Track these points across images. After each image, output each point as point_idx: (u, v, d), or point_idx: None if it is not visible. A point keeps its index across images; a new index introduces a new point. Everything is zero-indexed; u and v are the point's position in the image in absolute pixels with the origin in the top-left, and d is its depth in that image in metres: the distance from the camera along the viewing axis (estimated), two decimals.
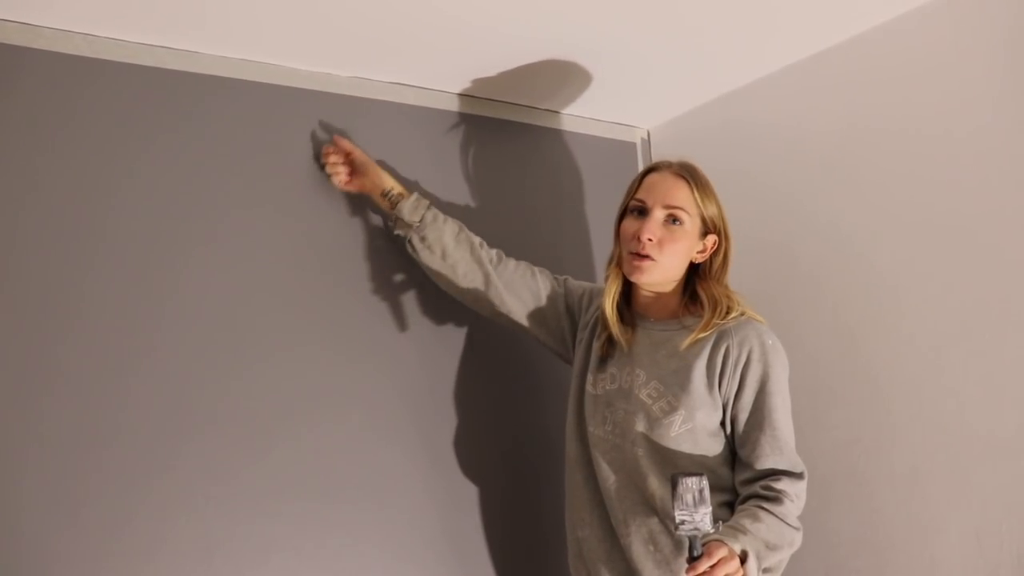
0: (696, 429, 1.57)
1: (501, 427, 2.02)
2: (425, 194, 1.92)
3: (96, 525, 1.52)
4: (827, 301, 1.95)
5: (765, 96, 2.12)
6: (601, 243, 2.18)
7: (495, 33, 1.78)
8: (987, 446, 1.65)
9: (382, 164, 1.91)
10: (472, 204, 2.08)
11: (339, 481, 1.77)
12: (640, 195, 1.66)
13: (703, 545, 1.35)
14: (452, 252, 1.77)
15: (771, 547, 1.45)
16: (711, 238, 1.65)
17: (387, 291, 1.91)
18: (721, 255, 1.66)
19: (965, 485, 1.68)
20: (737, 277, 1.72)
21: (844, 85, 1.94)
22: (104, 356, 1.58)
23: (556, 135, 2.26)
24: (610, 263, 1.72)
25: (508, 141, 2.18)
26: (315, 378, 1.78)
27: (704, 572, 1.32)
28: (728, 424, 1.59)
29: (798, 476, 1.55)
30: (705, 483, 1.33)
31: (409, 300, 1.93)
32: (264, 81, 1.83)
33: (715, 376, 1.57)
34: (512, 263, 1.82)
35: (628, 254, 1.64)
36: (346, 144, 1.82)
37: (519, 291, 1.80)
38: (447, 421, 1.94)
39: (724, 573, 1.33)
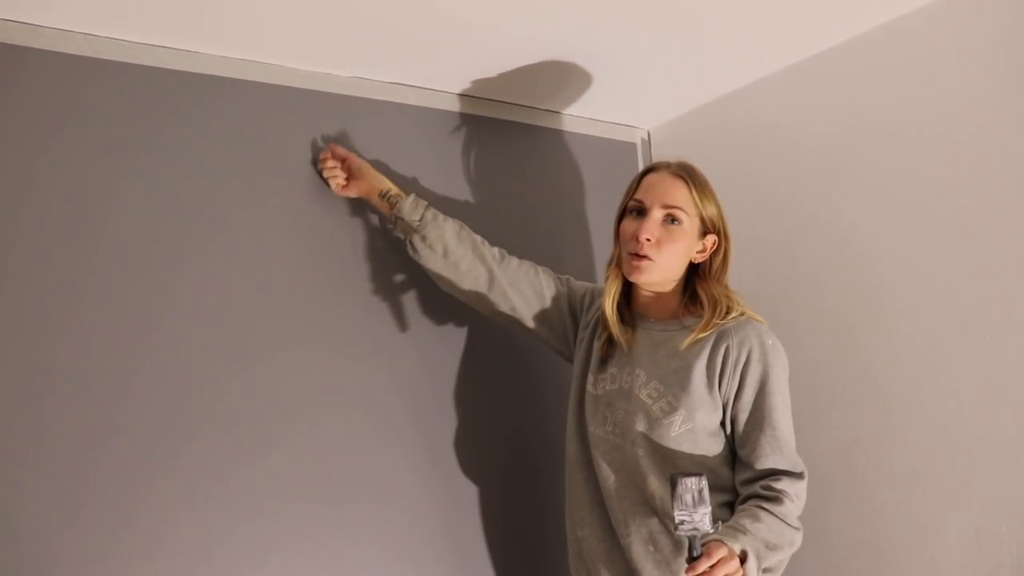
0: (696, 429, 1.57)
1: (501, 427, 2.02)
2: (425, 194, 1.92)
3: (96, 525, 1.52)
4: (827, 301, 1.95)
5: (765, 96, 2.12)
6: (601, 243, 2.18)
7: (496, 33, 1.78)
8: (987, 446, 1.65)
9: (382, 165, 1.92)
10: (473, 204, 2.08)
11: (339, 481, 1.77)
12: (638, 195, 1.66)
13: (702, 545, 1.35)
14: (454, 250, 1.77)
15: (771, 547, 1.45)
16: (710, 238, 1.65)
17: (387, 291, 1.91)
18: (721, 255, 1.66)
19: (965, 486, 1.68)
20: (737, 277, 1.72)
21: (844, 85, 1.94)
22: (104, 356, 1.58)
23: (557, 135, 2.27)
24: (610, 264, 1.72)
25: (509, 141, 2.18)
26: (315, 378, 1.78)
27: (703, 572, 1.32)
28: (728, 424, 1.59)
29: (798, 476, 1.55)
30: (704, 483, 1.33)
31: (409, 300, 1.93)
32: (264, 81, 1.83)
33: (715, 376, 1.57)
34: (515, 261, 1.82)
35: (627, 254, 1.64)
36: (341, 150, 1.83)
37: (522, 289, 1.80)
38: (447, 421, 1.94)
39: (724, 573, 1.33)
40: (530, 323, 1.82)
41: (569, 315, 1.83)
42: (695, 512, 1.32)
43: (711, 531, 1.33)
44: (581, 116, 2.30)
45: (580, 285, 1.87)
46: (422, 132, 2.02)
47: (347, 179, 1.82)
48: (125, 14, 1.60)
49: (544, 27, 1.77)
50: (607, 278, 1.71)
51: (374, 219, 1.92)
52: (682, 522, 1.32)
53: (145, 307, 1.63)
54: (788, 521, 1.50)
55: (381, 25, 1.71)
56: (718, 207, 1.66)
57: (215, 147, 1.75)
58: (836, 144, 1.96)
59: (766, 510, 1.49)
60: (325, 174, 1.82)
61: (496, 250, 1.81)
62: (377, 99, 1.97)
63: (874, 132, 1.88)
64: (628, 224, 1.66)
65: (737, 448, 1.59)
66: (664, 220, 1.62)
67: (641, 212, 1.64)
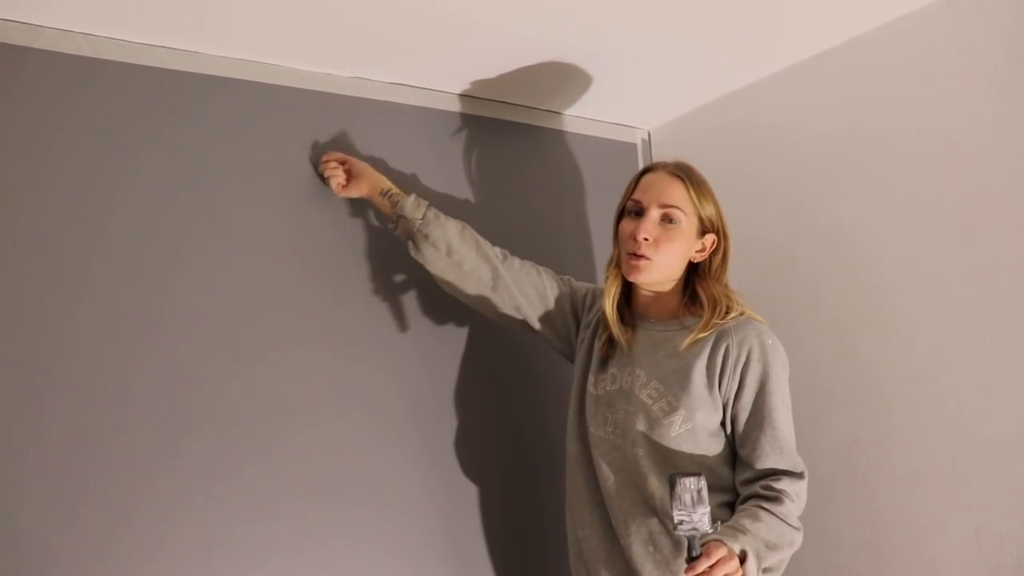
0: (696, 429, 1.57)
1: (501, 427, 2.02)
2: (425, 195, 1.92)
3: (96, 525, 1.53)
4: (827, 302, 1.95)
5: (766, 97, 2.12)
6: (602, 244, 2.18)
7: (496, 33, 1.78)
8: (987, 447, 1.65)
9: (383, 165, 1.92)
10: (473, 205, 2.08)
11: (339, 481, 1.77)
12: (636, 196, 1.66)
13: (702, 545, 1.35)
14: (458, 248, 1.76)
15: (771, 547, 1.45)
16: (709, 237, 1.65)
17: (387, 291, 1.91)
18: (720, 254, 1.66)
19: (965, 486, 1.68)
20: (737, 278, 1.72)
21: (845, 86, 1.94)
22: (104, 356, 1.58)
23: (557, 136, 2.27)
24: (609, 264, 1.72)
25: (509, 142, 2.18)
26: (315, 378, 1.78)
27: (703, 572, 1.32)
28: (728, 424, 1.59)
29: (798, 476, 1.54)
30: (703, 483, 1.33)
31: (410, 300, 1.93)
32: (264, 81, 1.83)
33: (715, 376, 1.57)
34: (517, 261, 1.82)
35: (626, 254, 1.64)
36: (339, 155, 1.83)
37: (525, 289, 1.80)
38: (447, 421, 1.94)
39: (723, 573, 1.33)
40: (533, 324, 1.81)
41: (571, 315, 1.83)
42: (694, 512, 1.32)
43: (710, 531, 1.33)
44: (581, 116, 2.31)
45: (581, 286, 1.87)
46: (422, 132, 2.02)
47: (347, 179, 1.81)
48: (125, 14, 1.60)
49: (545, 27, 1.77)
50: (607, 278, 1.71)
51: (374, 219, 1.92)
52: (681, 522, 1.32)
53: (145, 307, 1.63)
54: (788, 521, 1.49)
55: (381, 25, 1.71)
56: (716, 206, 1.66)
57: (215, 147, 1.75)
58: (836, 144, 1.96)
59: (766, 510, 1.48)
60: (325, 174, 1.82)
61: (498, 250, 1.81)
62: (377, 99, 1.97)
63: (874, 132, 1.88)
64: (626, 224, 1.66)
65: (737, 448, 1.59)
66: (662, 220, 1.62)
67: (639, 212, 1.64)
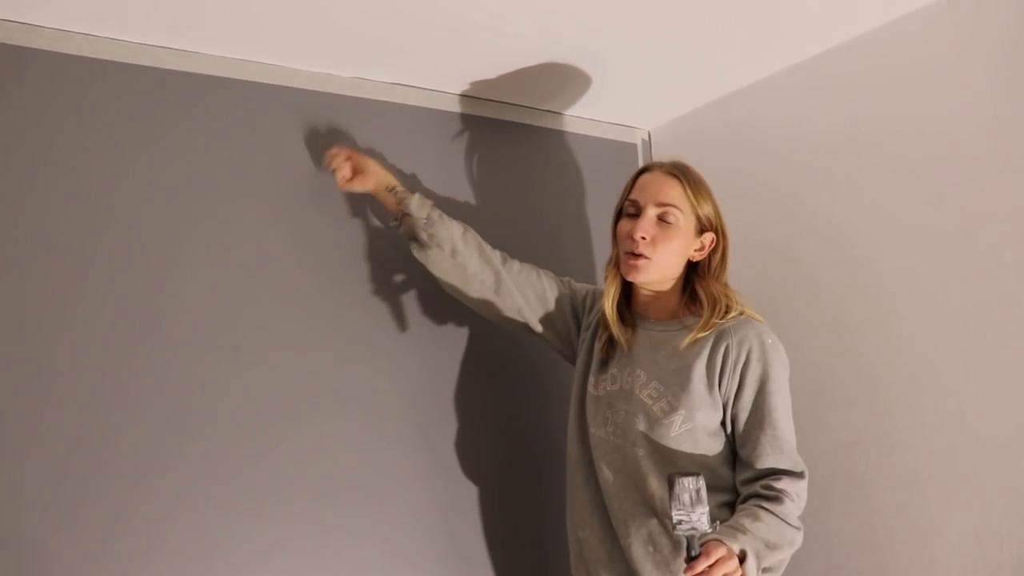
0: (696, 429, 1.57)
1: (502, 428, 2.02)
2: (426, 195, 1.92)
3: (96, 525, 1.53)
4: (827, 302, 1.95)
5: (766, 97, 2.12)
6: (602, 244, 2.18)
7: (497, 34, 1.78)
8: (987, 447, 1.65)
9: (383, 165, 1.91)
10: (474, 205, 2.08)
11: (339, 482, 1.77)
12: (633, 195, 1.66)
13: (701, 545, 1.35)
14: (462, 251, 1.75)
15: (771, 546, 1.45)
16: (708, 236, 1.65)
17: (388, 292, 1.91)
18: (719, 253, 1.66)
19: (965, 486, 1.68)
20: (738, 278, 1.72)
21: (845, 86, 1.94)
22: (104, 356, 1.58)
23: (557, 136, 2.27)
24: (608, 264, 1.72)
25: (509, 142, 2.18)
26: (315, 378, 1.78)
27: (702, 572, 1.32)
28: (728, 424, 1.59)
29: (799, 475, 1.54)
30: (702, 483, 1.33)
31: (410, 301, 1.93)
32: (265, 82, 1.83)
33: (715, 376, 1.57)
34: (516, 264, 1.81)
35: (624, 254, 1.64)
36: (346, 149, 1.81)
37: (526, 292, 1.80)
38: (448, 422, 1.94)
39: (722, 573, 1.33)
40: (534, 326, 1.81)
41: (572, 317, 1.83)
42: (693, 512, 1.32)
43: (709, 530, 1.33)
44: (582, 117, 2.31)
45: (581, 287, 1.87)
46: (423, 133, 2.02)
47: (353, 174, 1.79)
48: (125, 14, 1.60)
49: (545, 28, 1.77)
50: (605, 278, 1.71)
51: (374, 220, 1.92)
52: (680, 522, 1.32)
53: (145, 307, 1.63)
54: (788, 520, 1.49)
55: (381, 25, 1.71)
56: (714, 205, 1.66)
57: (215, 147, 1.75)
58: (837, 145, 1.96)
59: (766, 509, 1.48)
60: (331, 167, 1.79)
61: (498, 253, 1.81)
62: (377, 99, 1.97)
63: (875, 132, 1.88)
64: (624, 224, 1.66)
65: (737, 448, 1.59)
66: (659, 218, 1.62)
67: (636, 212, 1.64)
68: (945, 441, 1.72)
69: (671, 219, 1.62)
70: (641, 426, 1.59)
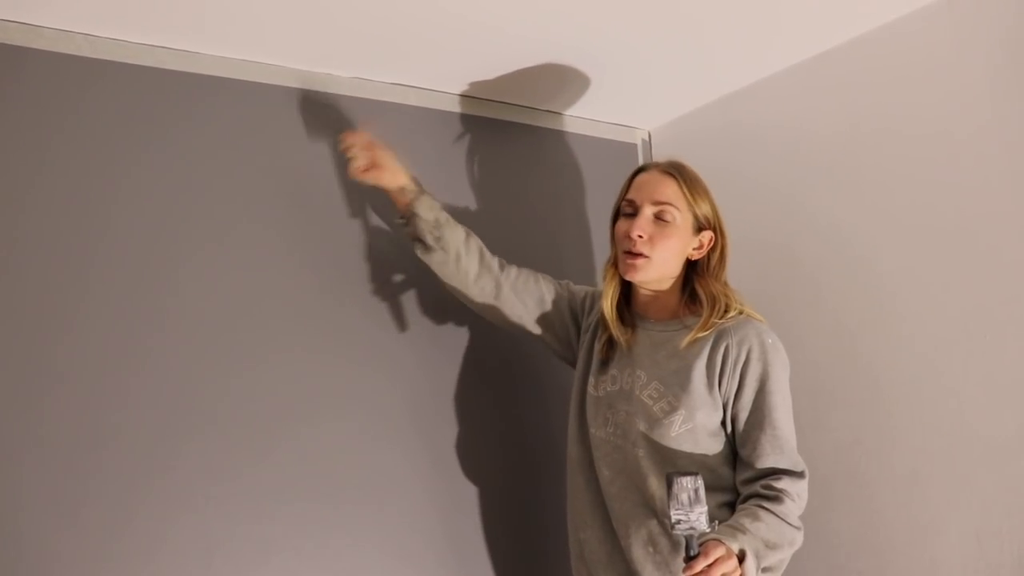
0: (696, 429, 1.57)
1: (502, 429, 2.01)
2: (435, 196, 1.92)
3: (96, 525, 1.53)
4: (828, 302, 1.95)
5: (766, 97, 2.12)
6: (602, 244, 2.17)
7: (497, 34, 1.78)
8: (987, 447, 1.65)
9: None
10: (474, 205, 2.08)
11: (339, 482, 1.77)
12: (630, 195, 1.66)
13: (700, 544, 1.35)
14: (464, 257, 1.74)
15: (771, 546, 1.45)
16: (707, 234, 1.65)
17: (388, 292, 1.91)
18: (718, 252, 1.66)
19: (965, 486, 1.68)
20: (738, 278, 1.72)
21: (845, 86, 1.94)
22: (104, 356, 1.58)
23: (557, 136, 2.27)
24: (607, 264, 1.72)
25: (510, 142, 2.18)
26: (315, 379, 1.78)
27: (700, 571, 1.32)
28: (728, 424, 1.59)
29: (799, 475, 1.54)
30: (700, 482, 1.33)
31: (410, 301, 1.93)
32: (265, 82, 1.83)
33: (715, 376, 1.57)
34: (514, 270, 1.80)
35: (622, 253, 1.64)
36: (368, 137, 1.74)
37: (525, 299, 1.79)
38: (448, 422, 1.94)
39: (721, 572, 1.33)
40: (534, 332, 1.82)
41: (571, 320, 1.83)
42: (691, 511, 1.31)
43: (707, 530, 1.33)
44: (582, 117, 2.31)
45: (580, 289, 1.87)
46: (423, 133, 2.02)
47: (369, 165, 1.73)
48: (125, 14, 1.60)
49: (545, 28, 1.77)
50: (604, 278, 1.71)
51: (374, 219, 1.92)
52: (678, 521, 1.32)
53: (145, 307, 1.63)
54: (788, 520, 1.49)
55: (381, 25, 1.71)
56: (712, 204, 1.66)
57: (215, 147, 1.75)
58: (837, 145, 1.96)
59: (766, 509, 1.48)
60: (348, 154, 1.74)
61: (497, 259, 1.80)
62: (377, 99, 1.97)
63: (875, 132, 1.88)
64: (621, 224, 1.66)
65: (738, 447, 1.59)
66: (656, 217, 1.62)
67: (633, 211, 1.64)
68: (945, 441, 1.72)
69: (668, 217, 1.62)
70: (641, 426, 1.59)
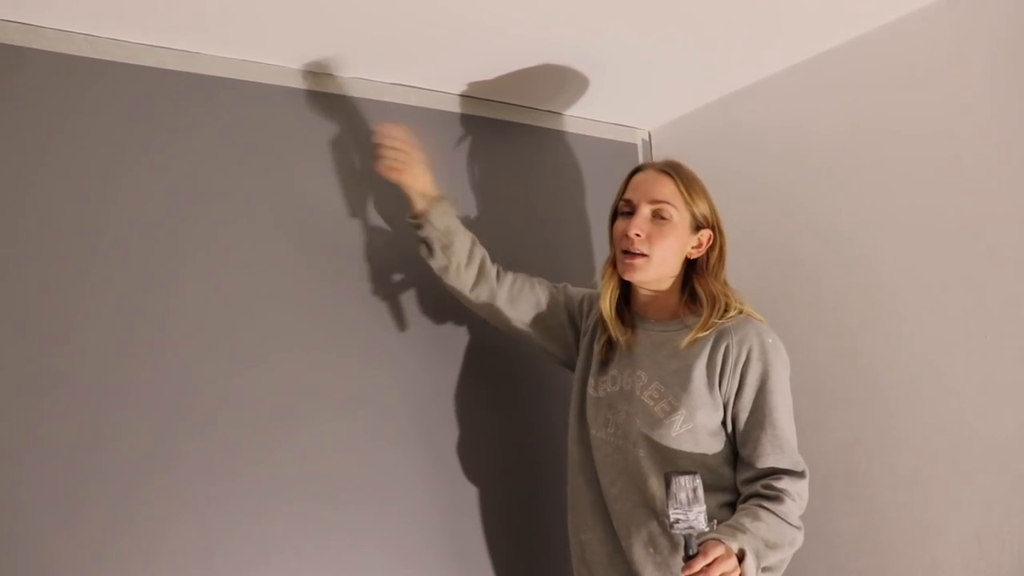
0: (697, 429, 1.57)
1: (503, 429, 2.01)
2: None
3: (96, 525, 1.53)
4: (828, 302, 1.95)
5: (766, 97, 2.12)
6: (602, 244, 2.17)
7: (497, 34, 1.78)
8: (988, 447, 1.65)
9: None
10: (474, 205, 2.08)
11: (340, 482, 1.77)
12: (627, 195, 1.67)
13: (699, 544, 1.34)
14: (464, 268, 1.75)
15: (771, 546, 1.45)
16: (705, 233, 1.65)
17: (388, 292, 1.91)
18: (717, 251, 1.66)
19: (966, 486, 1.68)
20: (739, 278, 1.72)
21: (845, 86, 1.94)
22: (104, 356, 1.58)
23: (558, 136, 2.27)
24: (606, 264, 1.72)
25: (510, 142, 2.18)
26: (316, 379, 1.78)
27: (700, 571, 1.32)
28: (729, 423, 1.59)
29: (799, 475, 1.54)
30: (699, 481, 1.33)
31: (410, 301, 1.93)
32: (265, 82, 1.83)
33: (715, 375, 1.56)
34: (509, 279, 1.80)
35: (621, 253, 1.64)
36: (406, 139, 1.73)
37: (520, 305, 1.79)
38: (449, 422, 1.94)
39: (720, 572, 1.32)
40: (531, 338, 1.82)
41: (568, 323, 1.83)
42: (690, 510, 1.31)
43: (706, 529, 1.33)
44: (582, 117, 2.31)
45: (577, 292, 1.87)
46: (423, 133, 2.00)
47: (398, 164, 1.72)
48: (126, 15, 1.60)
49: (545, 28, 1.77)
50: (603, 276, 1.71)
51: (375, 219, 1.92)
52: (677, 520, 1.31)
53: (145, 307, 1.63)
54: (789, 520, 1.49)
55: (381, 25, 1.71)
56: (709, 202, 1.66)
57: (215, 148, 1.75)
58: (837, 145, 1.96)
59: (767, 509, 1.48)
60: (382, 152, 1.72)
61: (495, 269, 1.80)
62: (377, 99, 1.97)
63: (875, 132, 1.88)
64: (619, 224, 1.66)
65: (738, 447, 1.59)
66: (653, 216, 1.63)
67: (631, 211, 1.64)
68: (946, 441, 1.71)
69: (665, 216, 1.62)
70: (642, 427, 1.59)
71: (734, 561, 1.35)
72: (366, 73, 1.94)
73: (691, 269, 1.68)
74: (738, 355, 1.56)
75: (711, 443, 1.58)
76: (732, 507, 1.57)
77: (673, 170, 1.65)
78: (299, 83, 1.87)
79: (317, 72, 1.89)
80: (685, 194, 1.63)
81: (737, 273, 1.72)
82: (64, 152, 1.60)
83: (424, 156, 1.75)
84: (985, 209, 1.68)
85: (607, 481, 1.64)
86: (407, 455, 1.86)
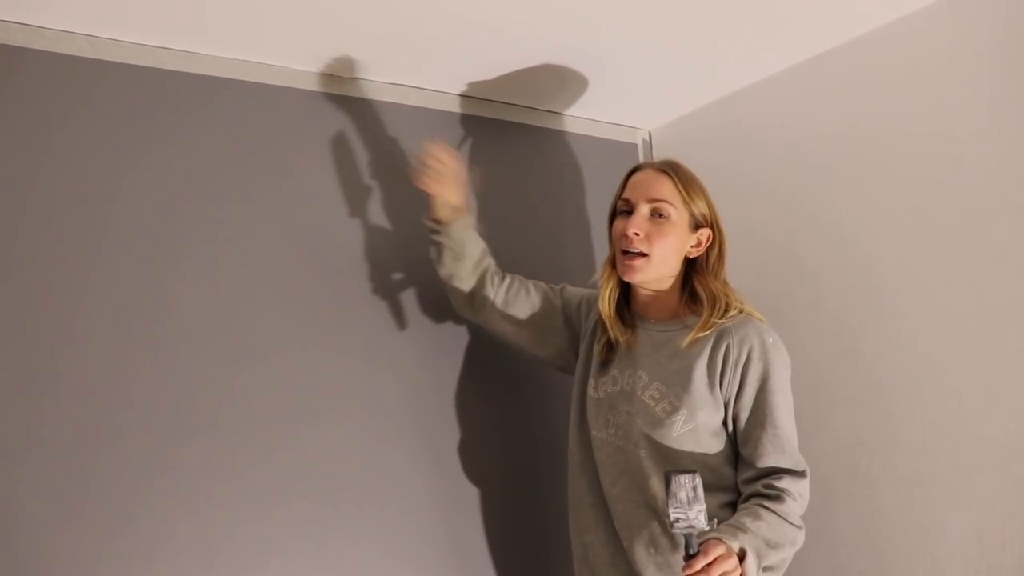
0: (698, 429, 1.56)
1: (504, 428, 2.01)
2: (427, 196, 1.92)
3: (97, 525, 1.52)
4: (829, 302, 1.95)
5: (767, 97, 2.12)
6: (602, 244, 2.17)
7: (497, 34, 1.79)
8: (989, 447, 1.65)
9: (385, 166, 1.92)
10: (474, 206, 2.07)
11: (341, 482, 1.77)
12: (626, 195, 1.67)
13: (700, 543, 1.34)
14: (464, 280, 1.78)
15: (772, 545, 1.44)
16: (704, 232, 1.65)
17: (388, 291, 1.91)
18: (716, 250, 1.66)
19: (967, 486, 1.68)
20: (739, 278, 1.72)
21: (846, 86, 1.94)
22: (105, 356, 1.58)
23: (558, 136, 2.27)
24: (605, 264, 1.72)
25: (510, 142, 2.18)
26: (317, 378, 1.78)
27: (700, 570, 1.32)
28: (730, 423, 1.59)
29: (800, 474, 1.54)
30: (698, 480, 1.33)
31: (411, 300, 1.93)
32: (265, 82, 1.83)
33: (716, 375, 1.56)
34: (503, 287, 1.80)
35: (620, 253, 1.64)
36: (451, 158, 1.75)
37: (515, 313, 1.80)
38: (449, 422, 1.94)
39: (721, 571, 1.32)
40: (526, 348, 1.84)
41: (565, 328, 1.83)
42: (690, 510, 1.31)
43: (706, 528, 1.33)
44: (582, 117, 2.31)
45: (575, 294, 1.86)
46: (423, 133, 2.01)
47: (436, 178, 1.74)
48: (127, 15, 1.60)
49: (545, 28, 1.77)
50: (602, 276, 1.71)
51: (375, 218, 1.92)
52: (677, 519, 1.31)
53: (146, 307, 1.63)
54: (790, 520, 1.49)
55: (382, 25, 1.71)
56: (708, 201, 1.66)
57: (216, 148, 1.75)
58: (837, 144, 1.96)
59: (767, 508, 1.48)
60: (426, 163, 1.74)
61: (495, 279, 1.80)
62: (379, 100, 1.97)
63: (875, 132, 1.88)
64: (618, 224, 1.66)
65: (739, 447, 1.59)
66: (651, 215, 1.63)
67: (629, 210, 1.64)
68: (947, 441, 1.71)
69: (664, 215, 1.62)
70: (643, 427, 1.59)
71: (735, 560, 1.35)
72: (366, 73, 1.94)
73: (691, 269, 1.68)
74: (739, 355, 1.56)
75: (712, 443, 1.58)
76: (733, 507, 1.57)
77: (671, 169, 1.65)
78: (299, 83, 1.87)
79: (317, 72, 1.89)
80: (683, 193, 1.63)
81: (738, 273, 1.72)
82: (65, 152, 1.60)
83: (462, 174, 1.78)
84: (985, 209, 1.68)
85: (608, 482, 1.63)
86: (407, 455, 1.86)
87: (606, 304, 1.69)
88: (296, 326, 1.78)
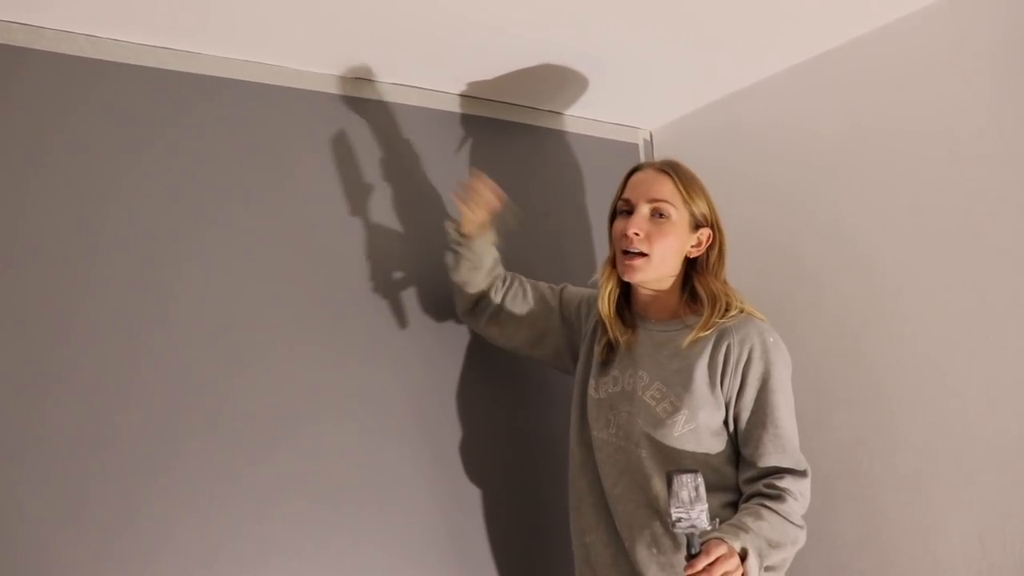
0: (699, 429, 1.56)
1: (505, 428, 2.01)
2: (427, 195, 1.92)
3: (97, 525, 1.52)
4: (830, 302, 1.95)
5: (768, 97, 2.12)
6: (603, 244, 2.16)
7: (498, 34, 1.79)
8: (990, 448, 1.65)
9: (385, 166, 1.91)
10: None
11: (341, 482, 1.76)
12: (626, 195, 1.67)
13: (702, 543, 1.34)
14: (470, 292, 1.80)
15: (773, 545, 1.44)
16: (704, 232, 1.65)
17: (389, 291, 1.91)
18: (716, 249, 1.66)
19: (968, 487, 1.67)
20: (740, 278, 1.72)
21: (847, 86, 1.94)
22: (105, 356, 1.58)
23: (559, 136, 2.27)
24: (605, 264, 1.72)
25: (511, 142, 2.18)
26: (317, 378, 1.78)
27: (702, 570, 1.32)
28: (731, 423, 1.59)
29: (801, 474, 1.54)
30: (700, 480, 1.32)
31: (411, 300, 1.93)
32: (266, 82, 1.83)
33: (716, 375, 1.56)
34: (503, 288, 1.82)
35: (620, 253, 1.64)
36: (493, 192, 1.76)
37: (515, 315, 1.82)
38: (450, 422, 1.94)
39: (722, 571, 1.32)
40: (522, 350, 1.86)
41: (563, 329, 1.83)
42: (691, 509, 1.31)
43: (708, 528, 1.33)
44: (583, 117, 2.31)
45: (575, 294, 1.86)
46: (424, 133, 2.02)
47: (477, 207, 1.76)
48: (127, 15, 1.60)
49: (546, 28, 1.77)
50: (601, 275, 1.71)
51: (375, 219, 1.92)
52: (679, 519, 1.31)
53: (146, 307, 1.63)
54: (791, 519, 1.49)
55: (382, 25, 1.71)
56: (708, 201, 1.66)
57: (217, 148, 1.75)
58: (838, 144, 1.96)
59: (769, 508, 1.48)
60: (470, 193, 1.76)
61: (492, 296, 1.82)
62: (380, 100, 1.97)
63: (876, 132, 1.88)
64: (618, 223, 1.67)
65: (740, 447, 1.59)
66: (652, 214, 1.63)
67: (629, 210, 1.64)
68: (948, 441, 1.71)
69: (664, 215, 1.62)
70: (644, 427, 1.59)
71: (736, 560, 1.35)
72: (367, 73, 1.94)
73: (691, 268, 1.68)
74: (739, 354, 1.55)
75: (713, 443, 1.58)
76: (735, 506, 1.57)
77: (671, 169, 1.65)
78: (300, 83, 1.87)
79: (318, 73, 1.89)
80: (684, 193, 1.63)
81: (738, 273, 1.72)
82: (65, 152, 1.60)
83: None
84: (986, 209, 1.68)
85: (609, 482, 1.63)
86: (408, 455, 1.86)
87: (606, 304, 1.69)
88: (296, 326, 1.78)
